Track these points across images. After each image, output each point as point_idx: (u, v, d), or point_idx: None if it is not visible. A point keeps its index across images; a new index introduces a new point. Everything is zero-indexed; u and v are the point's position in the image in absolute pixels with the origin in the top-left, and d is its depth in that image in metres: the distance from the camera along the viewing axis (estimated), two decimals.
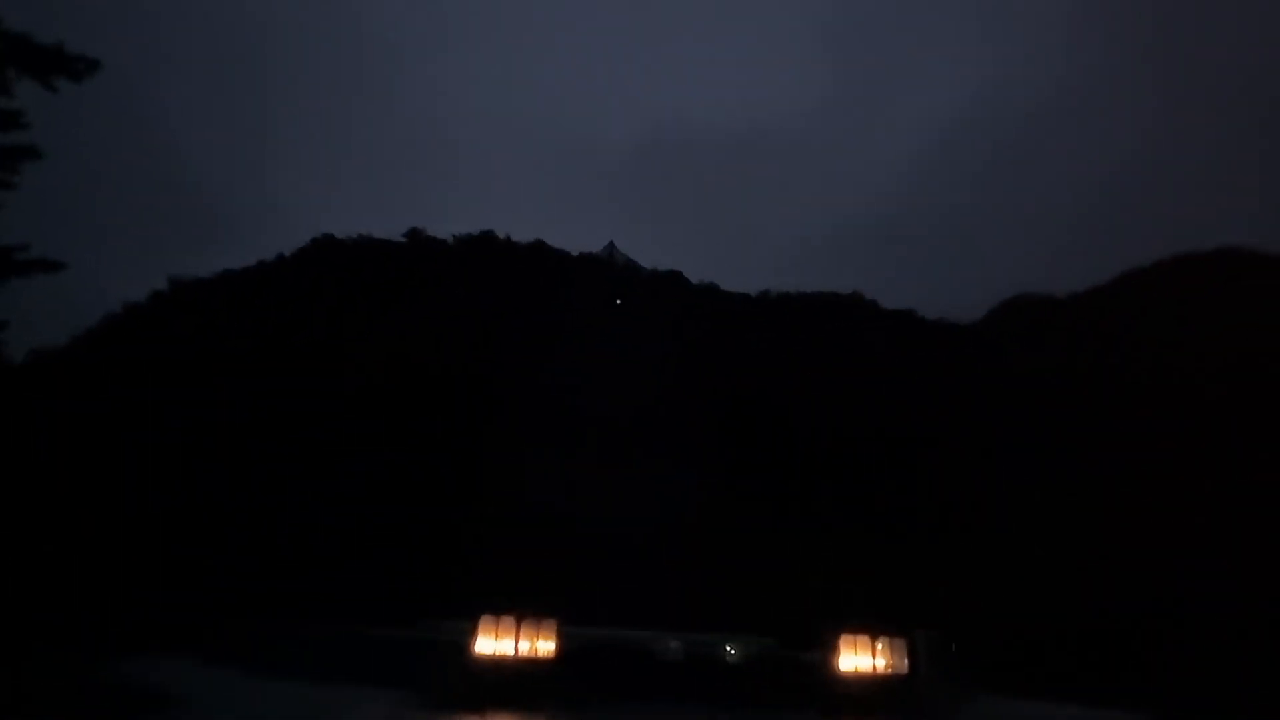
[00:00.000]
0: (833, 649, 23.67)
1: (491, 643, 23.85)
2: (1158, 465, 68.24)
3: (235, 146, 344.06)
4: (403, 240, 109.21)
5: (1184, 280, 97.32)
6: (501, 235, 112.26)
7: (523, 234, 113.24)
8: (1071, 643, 50.44)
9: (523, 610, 24.19)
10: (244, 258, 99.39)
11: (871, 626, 23.92)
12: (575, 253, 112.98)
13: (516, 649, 24.02)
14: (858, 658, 23.47)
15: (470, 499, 62.49)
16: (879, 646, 23.73)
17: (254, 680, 23.72)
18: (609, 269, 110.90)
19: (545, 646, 24.27)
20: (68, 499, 47.59)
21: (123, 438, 59.98)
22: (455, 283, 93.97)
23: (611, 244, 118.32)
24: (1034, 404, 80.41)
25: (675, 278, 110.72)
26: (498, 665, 23.15)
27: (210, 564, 53.17)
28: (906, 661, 23.83)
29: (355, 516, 60.79)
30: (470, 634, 24.15)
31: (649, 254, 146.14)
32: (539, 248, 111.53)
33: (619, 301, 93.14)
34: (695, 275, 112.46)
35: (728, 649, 31.01)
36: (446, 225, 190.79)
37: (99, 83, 20.70)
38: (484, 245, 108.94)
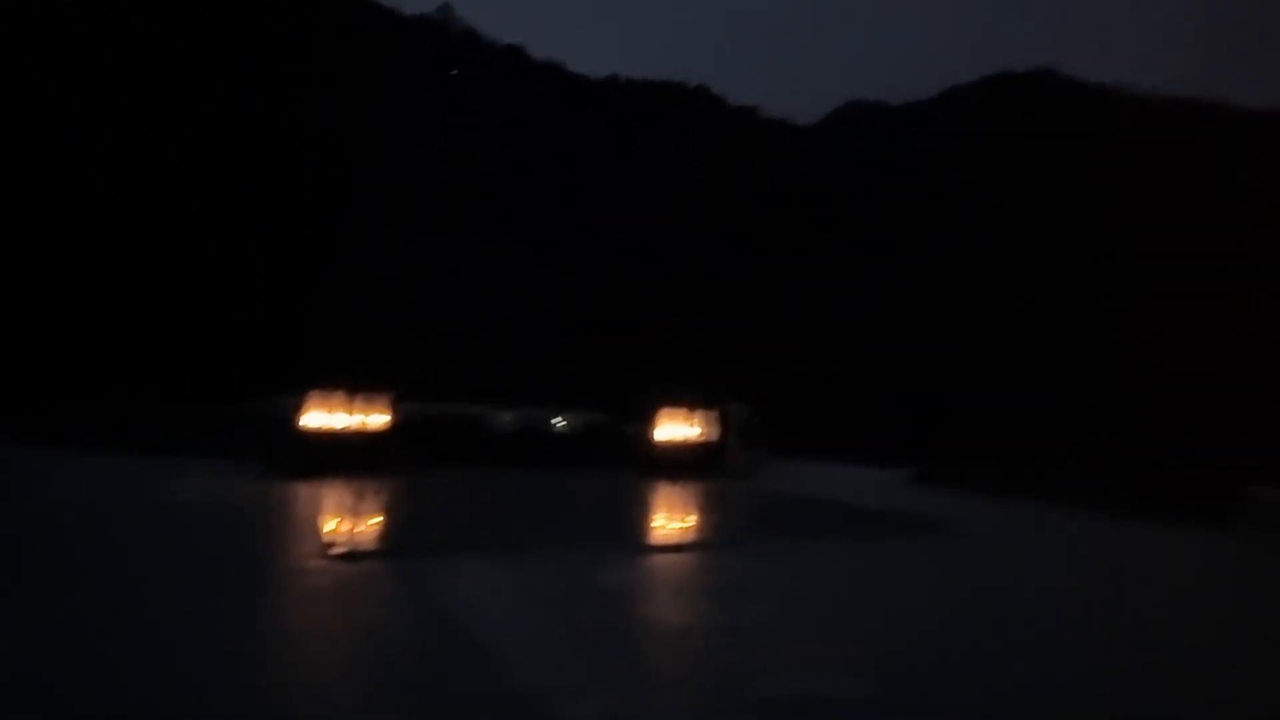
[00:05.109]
0: (653, 420, 25.80)
1: (322, 416, 23.85)
2: (964, 274, 76.49)
3: None
4: None
5: (1001, 100, 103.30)
6: None
7: None
8: (865, 419, 58.27)
9: (355, 385, 24.12)
10: None
11: (689, 401, 26.14)
12: (406, 12, 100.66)
13: (348, 423, 24.21)
14: (674, 427, 25.79)
15: (292, 275, 59.14)
16: (694, 417, 26.10)
17: (71, 454, 22.39)
18: (444, 35, 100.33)
19: (378, 420, 24.62)
20: None
21: None
22: (260, 34, 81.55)
23: (447, 3, 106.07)
24: (858, 209, 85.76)
25: (517, 52, 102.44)
26: (328, 436, 23.38)
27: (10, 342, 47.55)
28: (717, 430, 26.46)
29: (163, 291, 55.98)
30: (300, 408, 23.95)
31: (490, 21, 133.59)
32: (362, 1, 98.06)
33: (454, 72, 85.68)
34: (539, 52, 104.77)
35: (557, 420, 33.25)
36: None
37: None
38: None
